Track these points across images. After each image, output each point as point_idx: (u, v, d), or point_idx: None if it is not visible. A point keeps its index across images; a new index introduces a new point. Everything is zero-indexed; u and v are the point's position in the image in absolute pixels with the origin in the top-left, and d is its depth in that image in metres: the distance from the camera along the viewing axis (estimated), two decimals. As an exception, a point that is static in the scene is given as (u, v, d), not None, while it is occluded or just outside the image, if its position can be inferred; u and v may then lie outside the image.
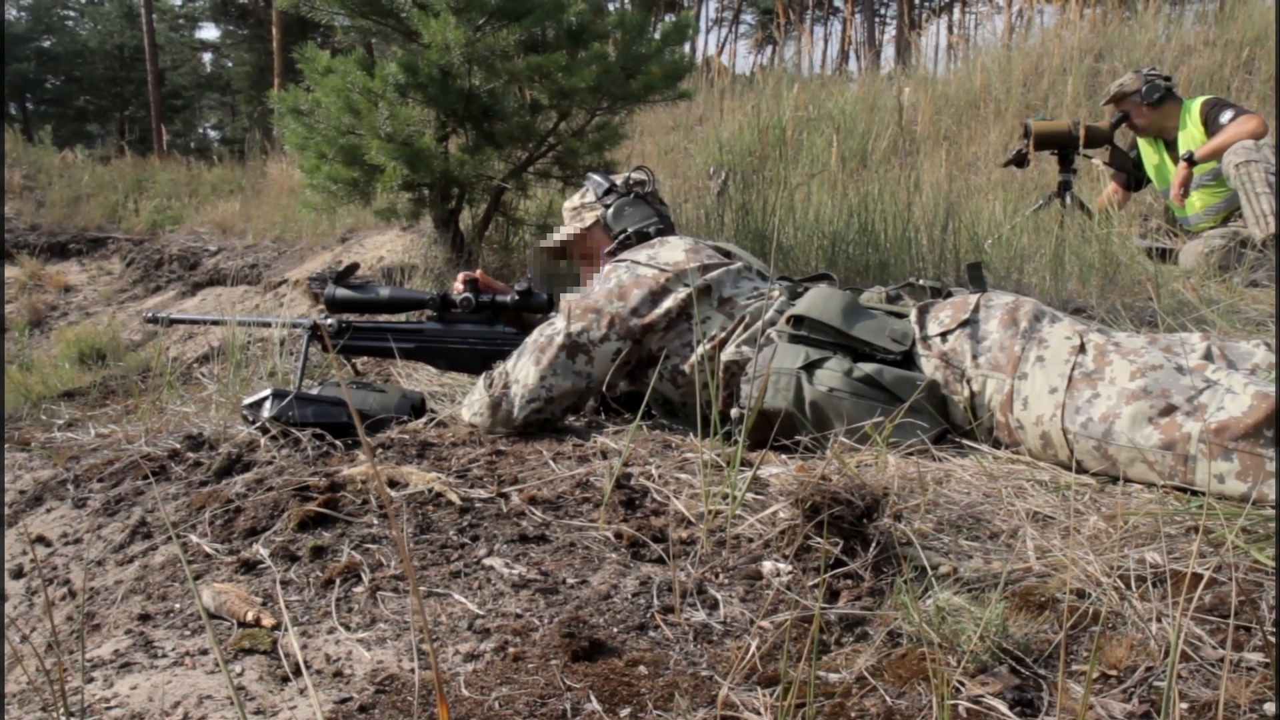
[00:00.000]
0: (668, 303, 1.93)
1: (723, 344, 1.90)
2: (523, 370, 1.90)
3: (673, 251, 2.00)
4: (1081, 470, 1.54)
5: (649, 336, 1.94)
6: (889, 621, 1.05)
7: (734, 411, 1.81)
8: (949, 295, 1.89)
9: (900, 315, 1.83)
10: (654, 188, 2.34)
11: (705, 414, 1.74)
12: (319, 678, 1.02)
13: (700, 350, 1.89)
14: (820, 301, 1.81)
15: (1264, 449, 1.33)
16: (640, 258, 2.00)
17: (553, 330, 1.93)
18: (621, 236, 2.21)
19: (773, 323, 1.86)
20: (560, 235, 2.37)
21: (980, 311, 1.73)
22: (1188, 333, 1.75)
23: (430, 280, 3.83)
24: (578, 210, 2.35)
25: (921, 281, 1.97)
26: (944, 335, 1.73)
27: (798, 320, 1.80)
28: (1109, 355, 1.55)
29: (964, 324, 1.72)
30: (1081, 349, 1.59)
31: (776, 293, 1.96)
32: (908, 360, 1.75)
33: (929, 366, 1.72)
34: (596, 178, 2.34)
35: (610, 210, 2.26)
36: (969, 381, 1.68)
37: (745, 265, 2.04)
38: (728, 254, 2.10)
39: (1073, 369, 1.56)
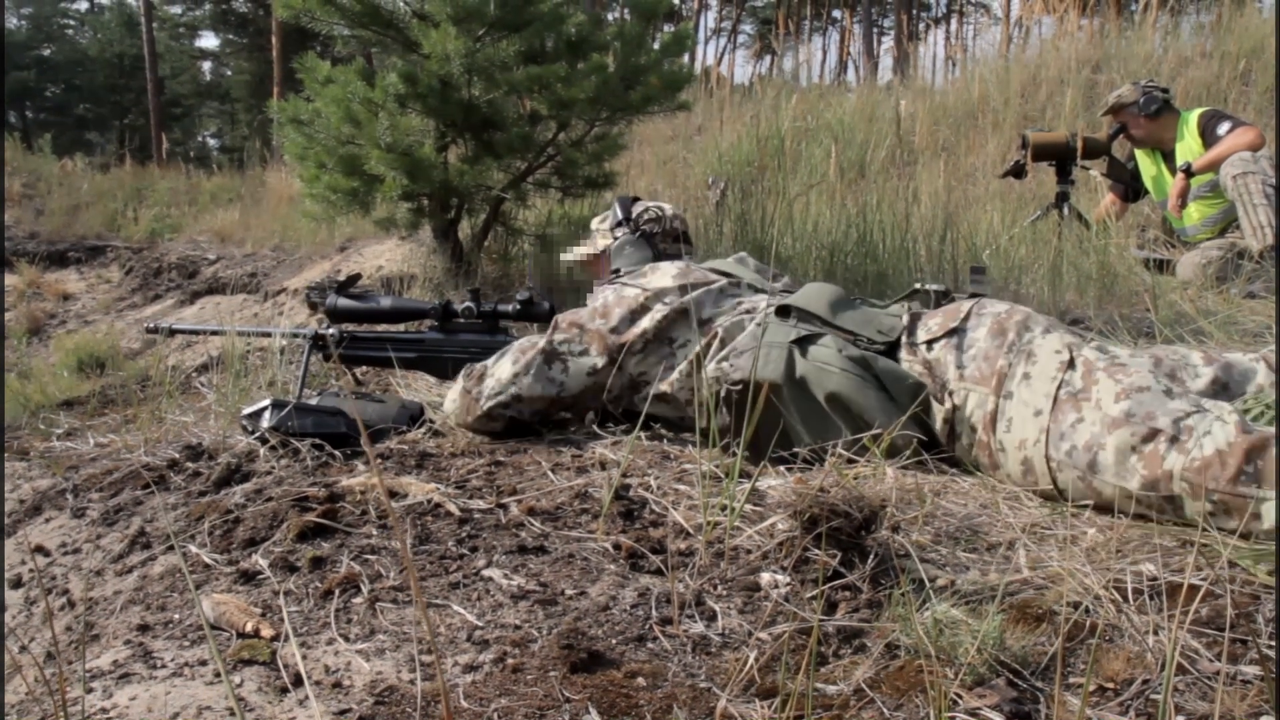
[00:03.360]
0: (645, 322, 1.97)
1: (699, 362, 1.91)
2: (501, 367, 2.00)
3: (661, 277, 2.05)
4: (1064, 497, 1.47)
5: (627, 359, 1.97)
6: (887, 633, 1.06)
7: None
8: (952, 300, 1.86)
9: (894, 315, 1.82)
10: (671, 225, 2.39)
11: (698, 424, 1.74)
12: (318, 689, 1.03)
13: (681, 369, 1.92)
14: (809, 294, 1.85)
15: (1244, 486, 1.29)
16: (629, 280, 2.09)
17: (538, 338, 2.02)
18: (615, 273, 2.30)
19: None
20: (578, 253, 2.52)
21: (970, 320, 1.69)
22: (1190, 350, 1.71)
23: (429, 290, 3.83)
24: (595, 233, 2.50)
25: (928, 286, 1.93)
26: (930, 343, 1.69)
27: (784, 310, 1.81)
28: (1096, 374, 1.49)
29: (951, 333, 1.68)
30: (1070, 365, 1.53)
31: (763, 304, 1.97)
32: (892, 356, 1.72)
33: (911, 372, 1.70)
34: (617, 206, 2.45)
35: (614, 245, 2.39)
36: (951, 394, 1.63)
37: (732, 282, 2.05)
38: (727, 274, 2.10)
39: (1059, 388, 1.50)
